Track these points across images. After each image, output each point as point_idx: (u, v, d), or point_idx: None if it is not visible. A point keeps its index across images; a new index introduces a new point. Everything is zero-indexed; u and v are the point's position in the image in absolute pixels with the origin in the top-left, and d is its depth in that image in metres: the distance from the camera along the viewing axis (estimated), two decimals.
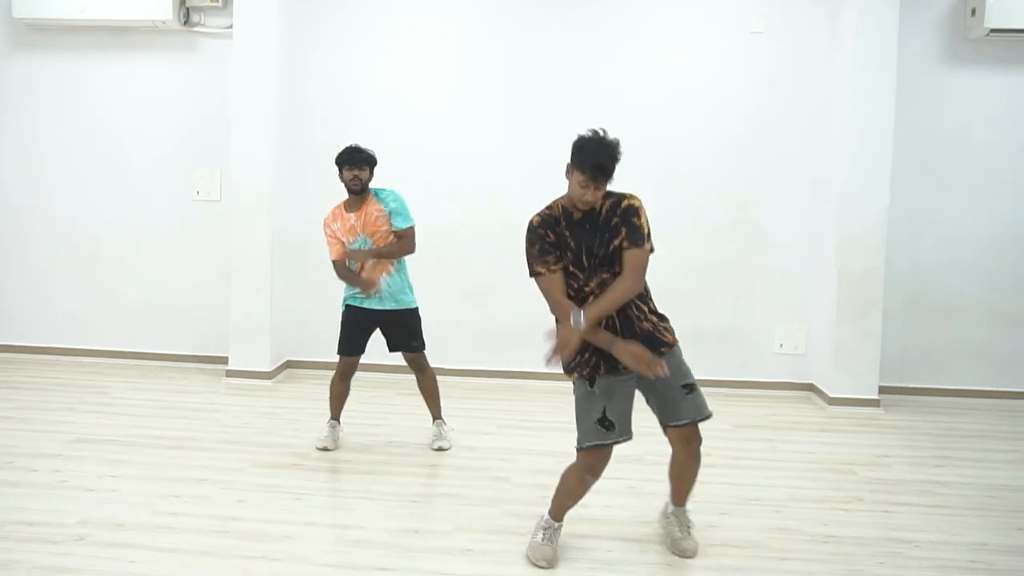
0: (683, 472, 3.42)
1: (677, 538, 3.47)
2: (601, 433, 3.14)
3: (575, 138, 3.10)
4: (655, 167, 5.93)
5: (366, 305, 4.50)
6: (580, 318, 3.04)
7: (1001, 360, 6.11)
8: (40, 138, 6.39)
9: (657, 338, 3.22)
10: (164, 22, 5.93)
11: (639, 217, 3.16)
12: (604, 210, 3.16)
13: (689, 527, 3.51)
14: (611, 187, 3.14)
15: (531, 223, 3.22)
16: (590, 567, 3.32)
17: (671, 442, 3.33)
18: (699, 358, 6.02)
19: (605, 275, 3.16)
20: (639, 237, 3.13)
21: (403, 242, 4.49)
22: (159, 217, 6.37)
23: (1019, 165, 6.00)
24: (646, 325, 3.20)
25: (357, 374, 4.70)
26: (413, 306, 4.60)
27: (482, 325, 6.24)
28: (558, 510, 3.37)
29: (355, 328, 4.54)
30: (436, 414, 4.75)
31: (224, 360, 6.11)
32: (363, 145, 4.49)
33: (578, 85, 6.05)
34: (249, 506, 3.84)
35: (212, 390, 5.80)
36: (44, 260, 6.48)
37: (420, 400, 4.81)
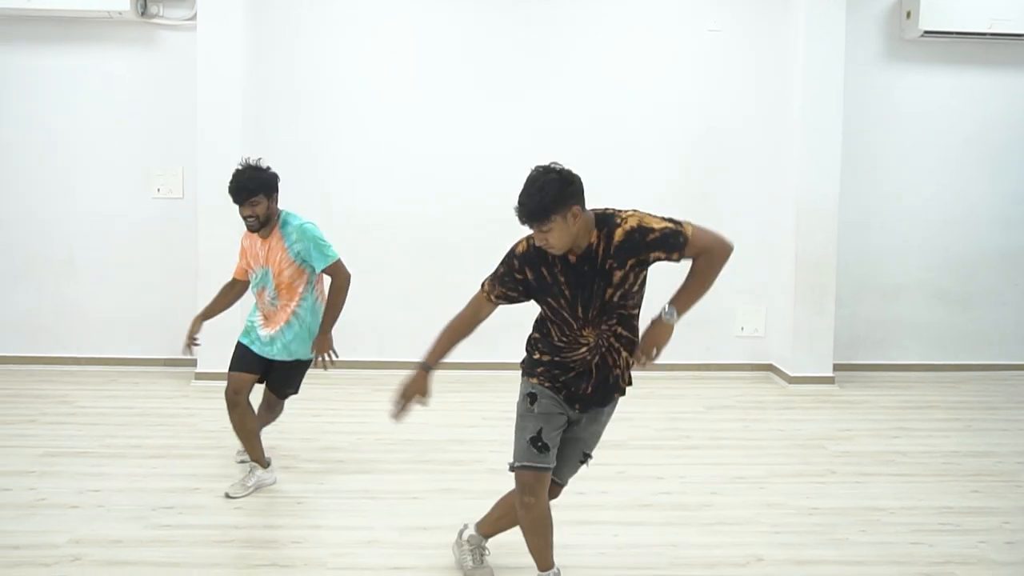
0: (512, 514, 3.08)
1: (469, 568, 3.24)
2: (533, 455, 2.83)
3: None
4: (616, 161, 6.18)
5: (253, 349, 4.05)
6: (672, 311, 2.77)
7: (942, 337, 6.59)
8: None
9: (618, 386, 2.92)
10: (120, 12, 5.79)
11: (651, 230, 2.66)
12: (600, 248, 2.67)
13: (483, 552, 3.29)
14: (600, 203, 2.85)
15: (514, 249, 2.83)
16: (598, 551, 3.47)
17: (538, 492, 2.91)
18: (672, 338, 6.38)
19: (605, 326, 2.77)
20: (673, 238, 2.67)
21: (337, 282, 4.00)
22: (115, 216, 6.25)
23: (954, 156, 6.49)
24: (617, 373, 2.88)
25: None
26: (307, 358, 4.10)
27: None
28: (537, 557, 3.00)
29: (245, 354, 4.09)
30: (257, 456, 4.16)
31: (193, 363, 6.05)
32: (254, 162, 3.99)
33: (542, 81, 6.22)
34: (248, 512, 3.83)
35: (183, 394, 5.75)
36: None
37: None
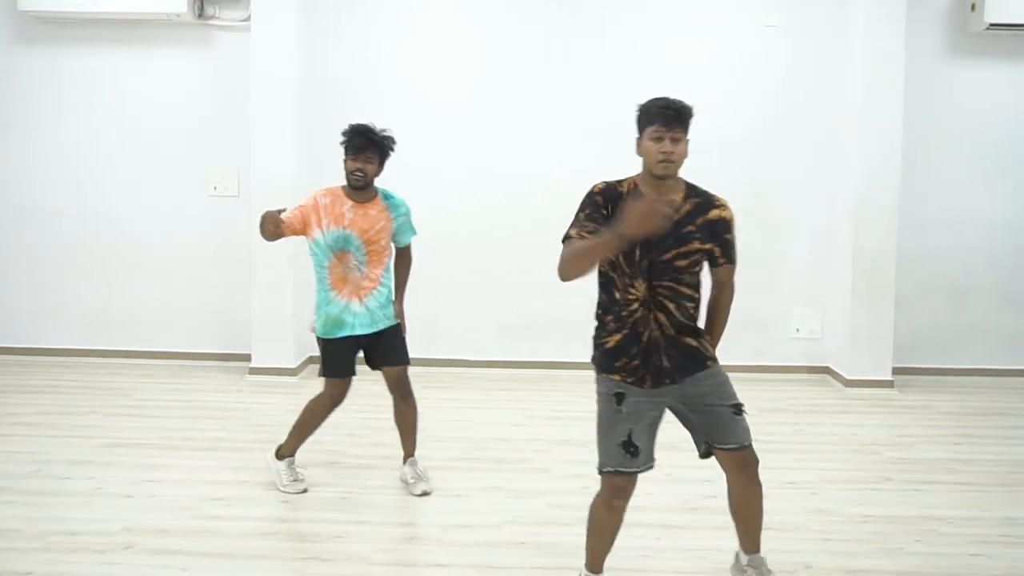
0: (746, 505, 2.97)
1: None
2: (624, 459, 2.75)
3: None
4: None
5: (356, 333, 3.92)
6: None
7: (1009, 339, 6.34)
8: (51, 134, 6.38)
9: (700, 353, 2.84)
10: (178, 15, 5.93)
11: (732, 233, 2.86)
12: (685, 210, 2.76)
13: None
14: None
15: (591, 191, 2.83)
16: (642, 554, 3.41)
17: (724, 469, 2.92)
18: (720, 344, 6.27)
19: (656, 283, 2.73)
20: (733, 252, 2.89)
21: (407, 261, 4.14)
22: (175, 214, 6.39)
23: (1021, 152, 6.20)
24: (689, 341, 2.81)
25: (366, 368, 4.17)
26: (397, 322, 4.07)
27: (508, 316, 6.34)
28: (594, 557, 2.97)
29: (339, 351, 3.96)
30: (410, 451, 4.13)
31: (247, 357, 6.16)
32: (379, 127, 3.85)
33: (594, 78, 6.16)
34: (295, 506, 3.86)
35: (237, 388, 5.85)
36: (56, 260, 6.48)
37: (446, 393, 4.78)
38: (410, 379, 4.13)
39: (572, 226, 2.77)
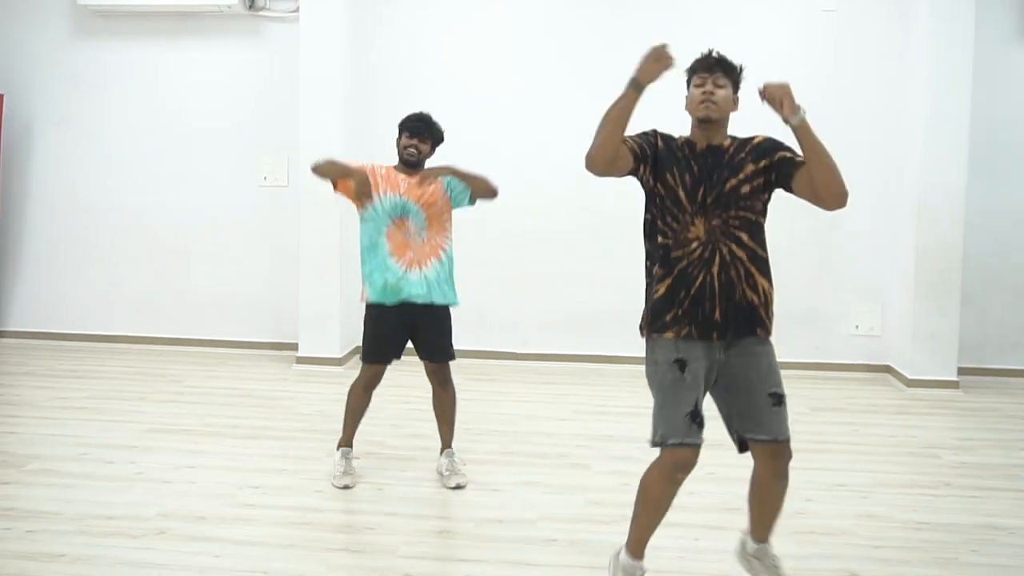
0: (769, 497, 2.83)
1: None
2: (692, 430, 2.62)
3: None
4: None
5: (411, 300, 3.85)
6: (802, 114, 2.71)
7: None
8: (106, 125, 6.51)
9: (758, 317, 2.70)
10: (229, 7, 6.01)
11: (779, 142, 2.79)
12: (732, 148, 2.77)
13: (777, 569, 2.91)
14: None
15: (648, 129, 2.83)
16: (679, 555, 3.30)
17: (754, 456, 2.77)
18: (774, 340, 6.09)
19: (716, 220, 2.66)
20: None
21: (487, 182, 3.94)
22: (226, 204, 6.46)
23: None
24: (752, 296, 2.68)
25: (406, 357, 4.08)
26: (455, 303, 4.00)
27: (558, 310, 6.26)
28: (640, 536, 2.83)
29: (385, 330, 3.92)
30: (448, 441, 4.11)
31: (294, 347, 6.20)
32: (434, 118, 3.98)
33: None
34: (329, 496, 3.84)
35: (283, 377, 5.88)
36: (112, 249, 6.61)
37: (490, 386, 4.72)
38: (450, 369, 4.09)
39: (637, 140, 2.76)
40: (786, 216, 5.98)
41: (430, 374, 4.06)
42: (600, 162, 2.66)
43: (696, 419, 2.64)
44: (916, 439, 4.75)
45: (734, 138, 2.84)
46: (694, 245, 2.68)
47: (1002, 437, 4.80)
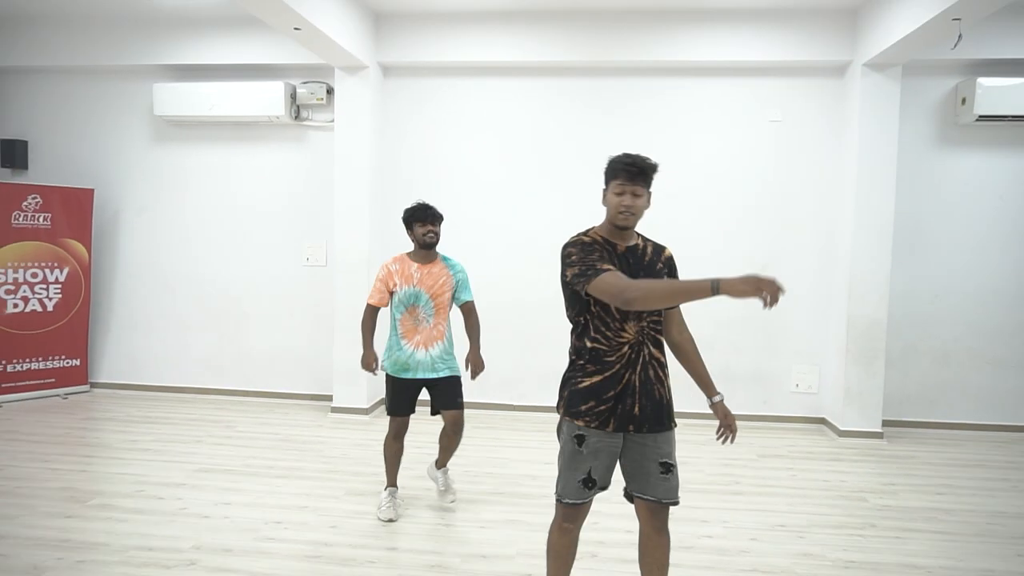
0: (654, 551, 2.54)
1: None
2: (582, 492, 2.48)
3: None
4: (686, 233, 5.80)
5: (418, 376, 3.81)
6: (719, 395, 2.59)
7: (989, 397, 5.76)
8: (178, 213, 6.46)
9: (669, 412, 2.52)
10: (278, 117, 6.00)
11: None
12: (649, 250, 2.55)
13: None
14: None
15: (571, 239, 2.51)
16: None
17: (637, 512, 2.56)
18: (727, 396, 5.84)
19: (644, 322, 2.46)
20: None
21: (475, 317, 3.94)
22: (276, 279, 6.36)
23: (1000, 231, 5.71)
24: (663, 393, 2.50)
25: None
26: (457, 372, 3.90)
27: (548, 367, 6.03)
28: None
29: (402, 391, 3.85)
30: (444, 463, 4.06)
31: (330, 398, 6.04)
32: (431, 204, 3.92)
33: None
34: (341, 532, 3.65)
35: (319, 424, 5.70)
36: (184, 314, 6.51)
37: (490, 434, 4.56)
38: (463, 416, 3.95)
39: (589, 264, 2.37)
40: None
41: (449, 423, 3.91)
42: (643, 308, 2.30)
43: (588, 484, 2.48)
44: (846, 483, 4.50)
45: (644, 239, 2.60)
46: (625, 348, 2.46)
47: (921, 483, 4.55)
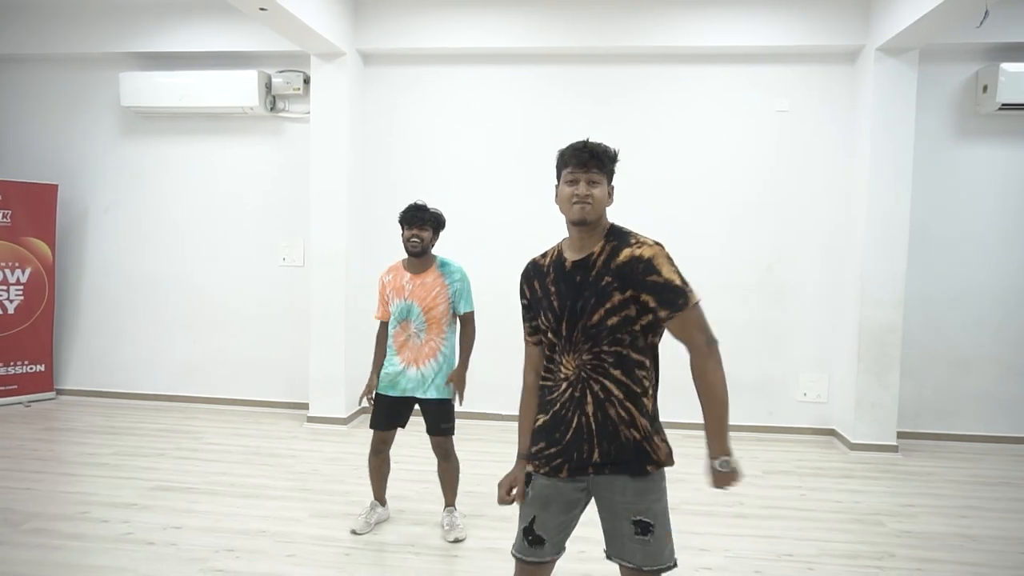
0: None
1: None
2: (524, 547, 2.09)
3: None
4: (688, 231, 5.44)
5: (407, 395, 3.51)
6: (725, 460, 1.97)
7: (1010, 407, 5.37)
8: (146, 212, 6.10)
9: (644, 453, 2.01)
10: (252, 108, 5.64)
11: (659, 272, 1.94)
12: (602, 260, 2.01)
13: None
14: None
15: (523, 272, 2.20)
16: None
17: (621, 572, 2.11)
18: (730, 405, 5.48)
19: (586, 355, 1.99)
20: (674, 296, 1.94)
21: (469, 329, 3.58)
22: (252, 281, 5.99)
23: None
24: (633, 434, 2.00)
25: (419, 420, 3.62)
26: (448, 396, 3.55)
27: None
28: None
29: (387, 406, 3.54)
30: (450, 501, 3.70)
31: (307, 406, 5.68)
32: (431, 205, 3.57)
33: (627, 160, 5.53)
34: (299, 561, 3.28)
35: (293, 435, 5.32)
36: (154, 317, 6.14)
37: (474, 446, 4.20)
38: (452, 443, 3.60)
39: (524, 319, 2.19)
40: (741, 292, 5.50)
41: (434, 447, 3.60)
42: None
43: (528, 536, 2.09)
44: (860, 505, 4.11)
45: (608, 236, 2.06)
46: (564, 386, 2.04)
47: (943, 504, 4.15)
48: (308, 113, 5.71)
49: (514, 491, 2.13)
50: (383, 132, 5.76)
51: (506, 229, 5.63)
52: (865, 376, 5.09)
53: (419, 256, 3.50)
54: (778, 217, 5.47)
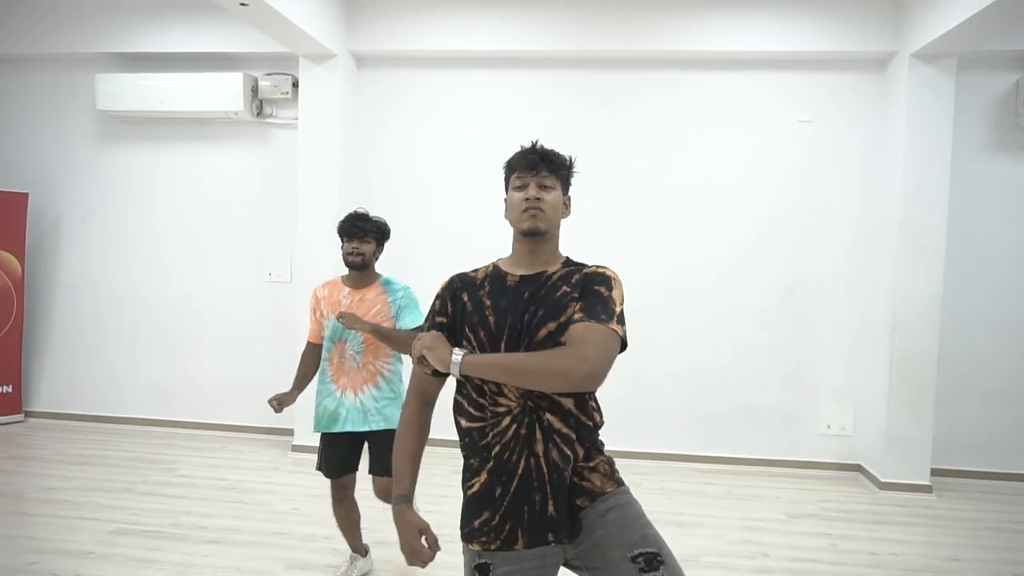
0: None
1: None
2: None
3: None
4: (705, 253, 5.03)
5: (347, 429, 3.07)
6: (457, 358, 1.68)
7: None
8: (126, 221, 5.72)
9: (599, 484, 1.74)
10: (237, 113, 5.28)
11: (609, 287, 1.73)
12: (556, 276, 1.78)
13: None
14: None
15: (437, 294, 1.89)
16: None
17: None
18: (748, 437, 5.04)
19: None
20: (600, 308, 1.68)
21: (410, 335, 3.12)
22: (235, 298, 5.61)
23: None
24: (592, 479, 1.74)
25: None
26: (391, 427, 3.10)
27: None
28: None
29: (334, 451, 3.13)
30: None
31: (291, 432, 5.28)
32: (373, 214, 3.20)
33: (637, 174, 5.16)
34: None
35: (275, 466, 4.91)
36: (131, 336, 5.75)
37: (424, 472, 3.75)
38: None
39: (427, 324, 1.86)
40: (760, 316, 5.11)
41: (377, 491, 3.14)
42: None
43: None
44: (898, 559, 3.69)
45: (568, 262, 1.84)
46: (506, 421, 1.70)
47: (990, 557, 3.74)
48: (297, 119, 5.32)
49: (423, 538, 1.73)
50: (377, 139, 5.38)
51: (506, 240, 5.23)
52: (896, 408, 4.69)
53: (360, 270, 3.13)
54: (800, 236, 5.08)
